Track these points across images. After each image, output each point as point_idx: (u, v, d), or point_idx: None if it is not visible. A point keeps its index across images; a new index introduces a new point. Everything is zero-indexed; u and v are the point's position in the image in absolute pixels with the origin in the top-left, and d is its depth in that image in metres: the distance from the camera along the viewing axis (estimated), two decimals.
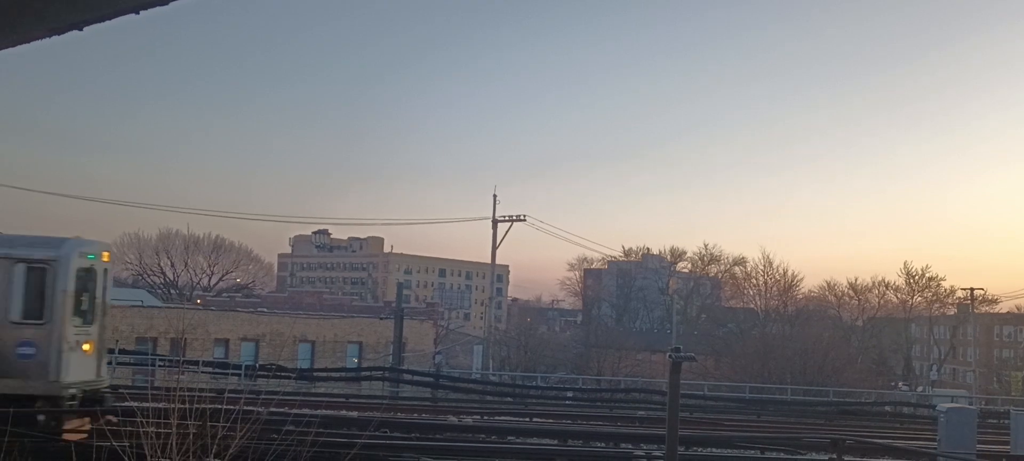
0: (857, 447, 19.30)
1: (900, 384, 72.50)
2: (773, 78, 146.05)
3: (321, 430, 12.46)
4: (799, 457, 19.62)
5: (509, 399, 34.56)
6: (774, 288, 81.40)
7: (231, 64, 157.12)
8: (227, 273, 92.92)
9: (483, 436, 20.33)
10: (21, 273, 16.53)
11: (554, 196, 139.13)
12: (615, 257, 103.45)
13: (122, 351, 40.57)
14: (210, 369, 38.68)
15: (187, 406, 10.33)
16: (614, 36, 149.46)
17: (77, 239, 17.71)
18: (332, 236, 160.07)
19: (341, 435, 16.49)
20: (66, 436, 15.72)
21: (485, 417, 27.22)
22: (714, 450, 19.60)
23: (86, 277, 17.23)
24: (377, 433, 17.94)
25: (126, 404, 11.50)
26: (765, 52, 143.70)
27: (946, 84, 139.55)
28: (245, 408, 10.98)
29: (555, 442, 20.63)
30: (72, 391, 16.62)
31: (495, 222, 50.97)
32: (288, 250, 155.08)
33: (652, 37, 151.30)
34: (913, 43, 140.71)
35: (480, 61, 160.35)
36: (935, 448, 21.45)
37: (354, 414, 24.29)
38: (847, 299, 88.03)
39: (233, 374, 37.71)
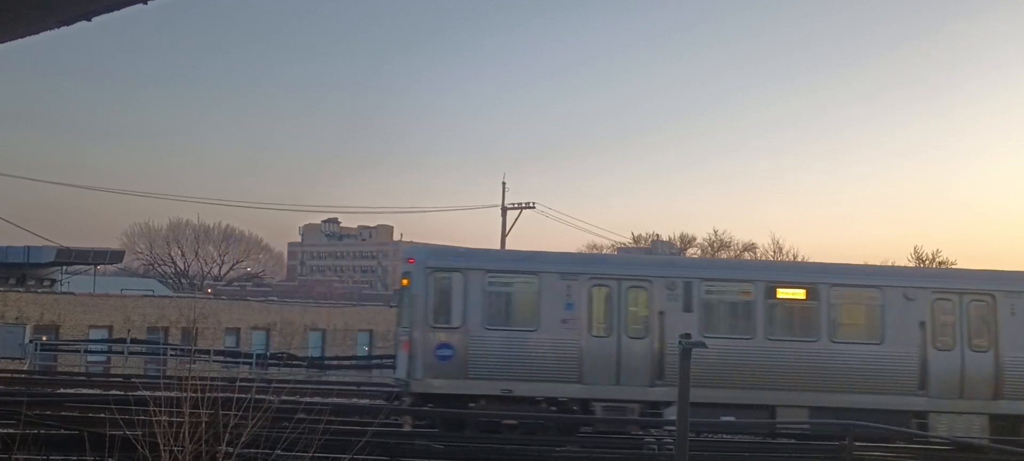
0: (868, 434, 19.18)
1: None
2: (783, 59, 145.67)
3: (332, 418, 12.50)
4: (811, 443, 19.54)
5: None
6: None
7: (237, 53, 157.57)
8: (237, 262, 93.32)
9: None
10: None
11: (563, 182, 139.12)
12: (625, 243, 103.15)
13: (134, 340, 40.89)
14: (221, 358, 38.95)
15: (199, 395, 10.39)
16: (623, 18, 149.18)
17: None
18: (341, 224, 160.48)
19: (352, 423, 16.57)
20: None
21: None
22: (724, 436, 19.53)
23: None
24: (388, 421, 17.99)
25: (139, 393, 11.55)
26: (776, 32, 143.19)
27: (956, 63, 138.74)
28: (256, 397, 11.03)
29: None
30: None
31: (504, 210, 50.87)
32: (298, 239, 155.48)
33: (662, 18, 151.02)
34: (922, 22, 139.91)
35: (488, 45, 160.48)
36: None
37: (365, 402, 24.38)
38: None
39: (244, 363, 37.94)
